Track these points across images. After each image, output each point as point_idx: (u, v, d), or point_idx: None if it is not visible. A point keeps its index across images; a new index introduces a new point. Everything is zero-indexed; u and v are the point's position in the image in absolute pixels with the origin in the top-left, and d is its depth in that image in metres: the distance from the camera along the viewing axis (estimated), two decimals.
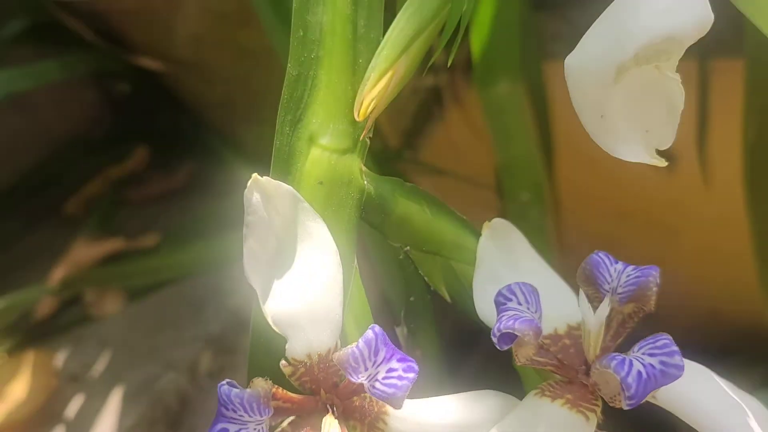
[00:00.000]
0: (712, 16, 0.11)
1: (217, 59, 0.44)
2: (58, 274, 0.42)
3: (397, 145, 0.50)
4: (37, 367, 0.37)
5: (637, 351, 0.12)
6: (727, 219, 0.59)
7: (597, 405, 0.13)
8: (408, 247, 0.15)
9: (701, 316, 1.08)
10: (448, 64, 0.17)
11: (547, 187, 0.44)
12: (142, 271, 0.42)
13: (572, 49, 0.12)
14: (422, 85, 0.49)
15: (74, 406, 0.35)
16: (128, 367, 0.36)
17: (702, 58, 0.42)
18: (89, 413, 0.35)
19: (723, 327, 1.02)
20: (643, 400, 0.13)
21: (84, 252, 0.42)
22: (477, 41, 0.27)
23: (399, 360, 0.11)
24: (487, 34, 0.26)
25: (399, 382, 0.11)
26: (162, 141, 0.53)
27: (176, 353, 0.36)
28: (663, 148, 0.12)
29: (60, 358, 0.38)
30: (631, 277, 0.13)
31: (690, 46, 0.12)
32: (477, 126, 0.37)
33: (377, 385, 0.11)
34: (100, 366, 0.37)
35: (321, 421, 0.12)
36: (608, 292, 0.13)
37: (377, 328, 0.11)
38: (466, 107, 0.53)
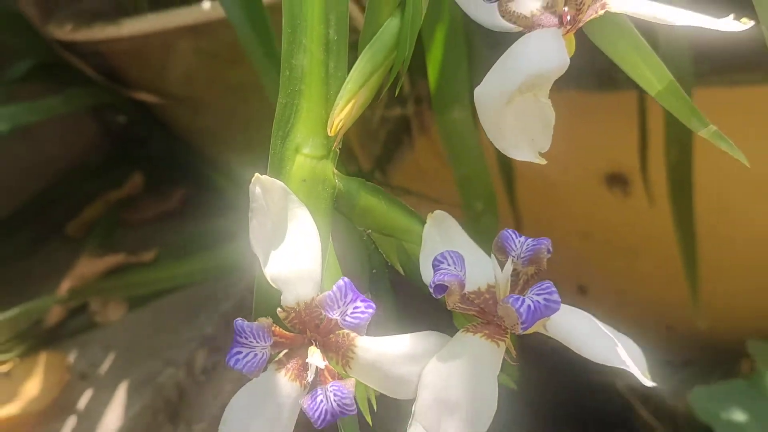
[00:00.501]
0: (568, 62, 0.16)
1: (207, 94, 0.48)
2: (66, 285, 0.46)
3: (369, 169, 0.55)
4: (49, 366, 0.40)
5: (529, 293, 0.16)
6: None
7: (506, 336, 0.17)
8: (369, 231, 0.19)
9: (660, 331, 1.13)
10: (395, 96, 0.21)
11: (505, 199, 0.48)
12: (142, 283, 0.46)
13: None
14: (391, 116, 0.54)
15: (84, 399, 0.39)
16: (131, 365, 0.40)
17: (642, 91, 0.47)
18: (98, 405, 0.38)
19: (681, 341, 1.07)
20: (535, 330, 0.17)
21: (88, 266, 0.46)
22: (433, 77, 0.31)
23: (361, 300, 0.16)
24: (439, 70, 0.31)
25: (362, 315, 0.16)
26: (156, 167, 0.56)
27: (174, 352, 0.40)
28: (543, 151, 0.17)
29: (69, 359, 0.41)
30: (529, 246, 0.18)
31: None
32: (441, 151, 0.42)
33: (347, 318, 0.16)
34: (106, 365, 0.41)
35: (307, 352, 0.16)
36: (514, 257, 0.18)
37: (346, 279, 0.16)
38: (431, 135, 0.57)
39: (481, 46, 0.42)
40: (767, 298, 0.90)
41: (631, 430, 0.86)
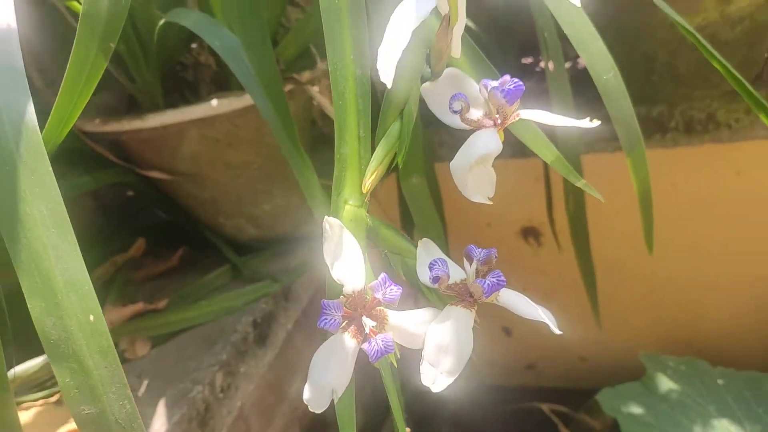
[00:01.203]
0: (501, 147, 0.28)
1: (208, 171, 0.58)
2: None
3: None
4: None
5: (488, 277, 0.27)
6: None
7: (475, 306, 0.28)
8: (386, 251, 0.30)
9: (574, 361, 1.26)
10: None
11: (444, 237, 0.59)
12: (160, 325, 0.54)
13: (452, 154, 0.28)
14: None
15: None
16: (165, 386, 0.48)
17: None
18: (144, 418, 0.46)
19: (591, 369, 1.21)
20: (491, 300, 0.28)
21: (114, 314, 0.54)
22: (400, 157, 0.43)
23: (395, 285, 0.27)
24: (404, 153, 0.42)
25: (394, 294, 0.26)
26: (157, 231, 0.65)
27: (199, 374, 0.49)
28: (491, 196, 0.28)
29: None
30: (483, 253, 0.29)
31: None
32: None
33: (387, 296, 0.26)
34: (142, 389, 0.49)
35: (362, 321, 0.27)
36: (475, 261, 0.29)
37: (384, 274, 0.27)
38: None
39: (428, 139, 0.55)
40: (657, 324, 1.06)
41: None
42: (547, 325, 0.82)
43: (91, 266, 0.56)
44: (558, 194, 0.70)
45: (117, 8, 0.27)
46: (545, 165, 0.76)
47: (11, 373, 0.47)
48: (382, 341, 0.26)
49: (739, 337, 1.05)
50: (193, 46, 0.57)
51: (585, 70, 0.41)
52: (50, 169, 0.24)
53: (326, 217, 0.27)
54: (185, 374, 0.48)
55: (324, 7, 0.28)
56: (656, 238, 1.07)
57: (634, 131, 0.38)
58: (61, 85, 0.26)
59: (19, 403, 0.47)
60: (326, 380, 0.27)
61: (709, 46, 0.42)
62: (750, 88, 0.42)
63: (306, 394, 0.27)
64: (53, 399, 0.48)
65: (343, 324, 0.27)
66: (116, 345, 0.52)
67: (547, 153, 0.31)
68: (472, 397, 1.30)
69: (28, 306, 0.23)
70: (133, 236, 0.63)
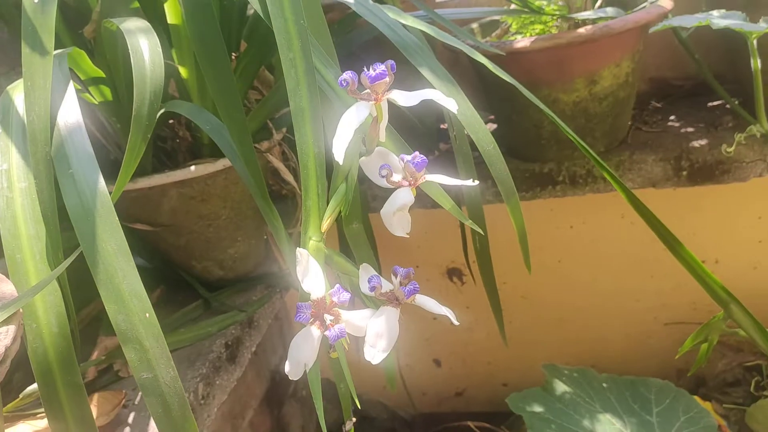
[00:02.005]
0: (413, 199, 0.41)
1: (184, 222, 0.70)
2: (95, 354, 0.64)
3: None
4: (103, 401, 0.58)
5: (408, 286, 0.41)
6: (508, 318, 0.90)
7: (400, 306, 0.41)
8: (338, 272, 0.43)
9: (498, 387, 1.40)
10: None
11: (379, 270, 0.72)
12: None
13: (382, 205, 0.42)
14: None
15: (130, 418, 0.57)
16: None
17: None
18: (142, 420, 0.57)
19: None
20: (410, 302, 0.41)
21: (108, 342, 0.65)
22: (344, 208, 0.56)
23: (346, 292, 0.39)
24: (346, 204, 0.56)
25: (345, 298, 0.39)
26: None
27: (184, 385, 0.59)
28: (408, 232, 0.42)
29: (124, 392, 0.59)
30: (404, 271, 0.42)
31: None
32: None
33: (340, 299, 0.39)
34: (137, 398, 0.59)
35: (324, 317, 0.40)
36: (399, 276, 0.42)
37: (338, 285, 0.40)
38: None
39: (364, 193, 0.69)
40: (565, 347, 1.21)
41: None
42: (473, 354, 1.04)
43: (84, 303, 0.66)
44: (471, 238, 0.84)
45: (152, 110, 0.40)
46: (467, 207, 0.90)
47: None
48: (338, 329, 0.38)
49: (629, 354, 1.22)
50: (171, 121, 0.70)
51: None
52: (116, 218, 0.37)
53: (298, 248, 0.40)
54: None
55: (293, 109, 0.41)
56: (561, 273, 1.24)
57: (510, 185, 0.52)
58: (122, 164, 0.39)
59: (35, 415, 0.57)
60: (300, 357, 0.39)
61: (561, 123, 0.58)
62: (591, 151, 0.57)
63: (287, 368, 0.39)
64: None
65: (312, 319, 0.39)
66: (111, 366, 0.63)
67: (446, 202, 0.45)
68: (408, 425, 1.42)
69: (106, 308, 0.35)
70: None
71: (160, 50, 0.44)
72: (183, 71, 0.62)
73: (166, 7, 0.57)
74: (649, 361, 1.20)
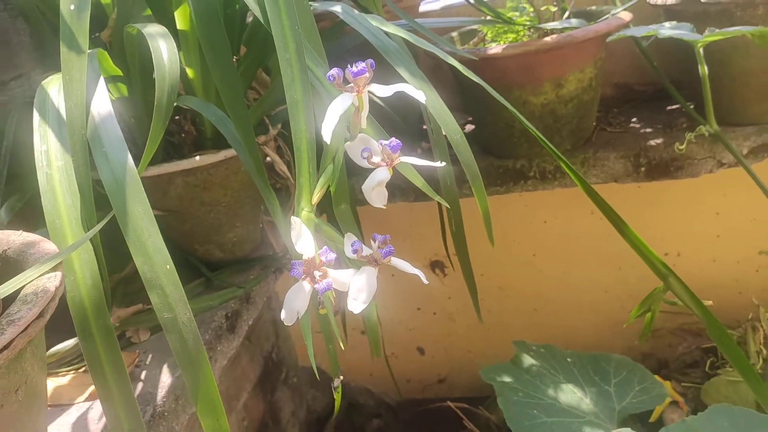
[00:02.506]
0: (389, 176, 0.49)
1: (188, 208, 0.77)
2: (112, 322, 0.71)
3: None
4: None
5: (384, 248, 0.48)
6: (487, 307, 0.96)
7: (378, 265, 0.49)
8: (326, 238, 0.50)
9: (476, 373, 1.46)
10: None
11: None
12: (154, 319, 0.72)
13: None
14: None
15: (143, 375, 0.64)
16: (165, 357, 0.66)
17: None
18: (154, 376, 0.64)
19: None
20: (387, 263, 0.49)
21: (121, 312, 0.72)
22: (333, 189, 0.64)
23: (332, 252, 0.47)
24: (336, 186, 0.63)
25: (332, 258, 0.47)
26: None
27: (209, 324, 0.66)
28: (385, 204, 0.49)
29: (137, 353, 0.66)
30: (381, 238, 0.49)
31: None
32: None
33: (327, 258, 0.47)
34: (149, 359, 0.66)
35: (314, 274, 0.47)
36: (377, 241, 0.49)
37: (326, 247, 0.47)
38: None
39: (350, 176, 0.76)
40: (541, 338, 1.27)
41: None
42: (454, 342, 1.13)
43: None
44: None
45: (170, 101, 0.48)
46: (439, 206, 0.98)
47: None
48: (326, 283, 0.46)
49: (597, 341, 1.29)
50: (177, 117, 0.77)
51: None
52: (142, 188, 0.44)
53: (292, 216, 0.48)
54: None
55: (289, 101, 0.48)
56: (536, 266, 1.32)
57: (474, 169, 0.60)
58: (147, 144, 0.46)
59: (57, 373, 0.64)
60: (294, 307, 0.46)
61: (527, 123, 0.65)
62: (553, 148, 0.65)
63: (282, 315, 0.46)
64: (81, 370, 0.65)
65: (303, 275, 0.47)
66: (123, 333, 0.70)
67: (417, 180, 0.53)
68: (393, 410, 1.49)
69: (135, 261, 0.42)
70: (128, 260, 0.80)
71: (176, 51, 0.52)
72: (189, 72, 0.70)
73: (177, 14, 0.64)
74: (615, 347, 1.27)
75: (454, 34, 1.03)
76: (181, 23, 0.65)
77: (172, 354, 0.66)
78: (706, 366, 1.05)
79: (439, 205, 0.93)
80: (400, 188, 1.03)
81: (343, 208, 0.64)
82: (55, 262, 0.40)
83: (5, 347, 0.34)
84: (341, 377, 0.66)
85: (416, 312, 1.40)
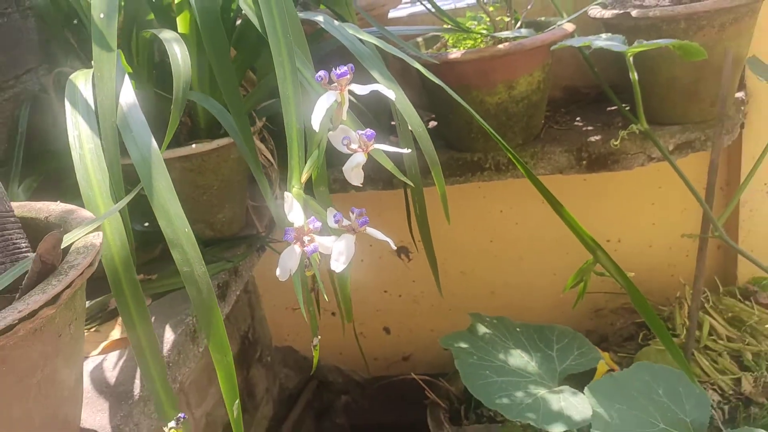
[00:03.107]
0: (365, 160, 0.59)
1: (183, 190, 0.86)
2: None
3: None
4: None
5: (361, 219, 0.58)
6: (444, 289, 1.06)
7: (355, 234, 0.59)
8: (312, 211, 0.61)
9: (439, 350, 1.57)
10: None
11: None
12: (155, 287, 0.81)
13: (339, 187, 0.60)
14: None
15: None
16: (166, 319, 0.75)
17: (405, 187, 0.94)
18: (159, 333, 0.73)
19: (452, 358, 1.50)
20: (363, 230, 0.59)
21: None
22: (314, 173, 0.74)
23: (317, 222, 0.57)
24: (317, 171, 0.73)
25: (318, 226, 0.57)
26: (145, 235, 0.92)
27: (187, 311, 0.76)
28: (361, 182, 0.60)
29: None
30: (358, 210, 0.60)
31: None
32: None
33: (314, 226, 0.57)
34: (152, 320, 0.76)
35: (303, 239, 0.57)
36: (355, 213, 0.60)
37: (313, 217, 0.57)
38: None
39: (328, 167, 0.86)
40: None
41: (424, 405, 1.28)
42: (419, 323, 1.29)
43: None
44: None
45: (185, 94, 0.57)
46: (405, 194, 1.08)
47: None
48: (313, 246, 0.56)
49: (548, 320, 1.42)
50: None
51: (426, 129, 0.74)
52: (164, 166, 0.54)
53: (285, 192, 0.58)
54: (178, 313, 0.75)
55: (282, 96, 0.58)
56: (493, 252, 1.44)
57: (434, 157, 0.71)
58: (168, 129, 0.56)
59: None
60: (287, 266, 0.56)
61: (482, 121, 0.76)
62: (503, 143, 0.76)
63: (278, 272, 0.56)
64: (92, 329, 0.74)
65: (295, 240, 0.57)
66: None
67: (387, 163, 0.63)
68: (361, 386, 1.60)
69: (159, 224, 0.52)
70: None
71: (187, 53, 0.61)
72: None
73: (179, 19, 0.74)
74: (563, 324, 1.40)
75: (419, 39, 1.13)
76: (182, 27, 0.75)
77: (173, 316, 0.76)
78: (639, 338, 1.18)
79: (405, 193, 1.04)
80: (369, 178, 1.13)
81: (321, 190, 0.74)
82: (97, 224, 0.49)
83: (68, 286, 0.43)
84: (319, 336, 0.76)
85: (383, 294, 1.51)
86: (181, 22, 0.74)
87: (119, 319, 0.74)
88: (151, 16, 0.77)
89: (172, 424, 0.48)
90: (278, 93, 0.69)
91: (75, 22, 0.80)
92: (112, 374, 0.66)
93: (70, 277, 0.43)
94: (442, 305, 1.48)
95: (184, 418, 0.49)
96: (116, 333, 0.73)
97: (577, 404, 0.84)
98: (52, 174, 0.83)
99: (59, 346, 0.46)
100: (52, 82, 0.82)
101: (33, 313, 0.40)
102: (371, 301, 1.52)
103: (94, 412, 0.60)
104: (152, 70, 0.74)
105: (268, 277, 1.33)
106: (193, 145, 0.80)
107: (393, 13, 1.22)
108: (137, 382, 0.64)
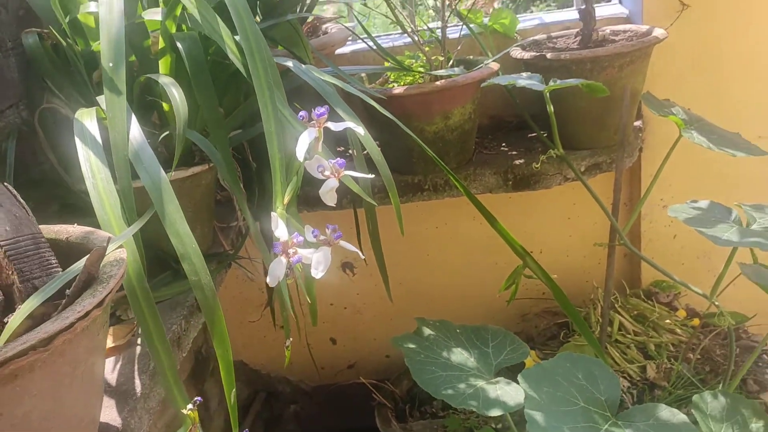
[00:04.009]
0: (337, 185, 0.71)
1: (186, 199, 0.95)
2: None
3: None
4: (118, 330, 0.82)
5: (336, 235, 0.70)
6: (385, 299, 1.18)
7: (331, 246, 0.70)
8: (293, 227, 0.71)
9: (382, 358, 1.72)
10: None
11: None
12: None
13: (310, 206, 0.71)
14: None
15: (139, 340, 0.81)
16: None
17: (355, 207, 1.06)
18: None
19: (397, 364, 1.61)
20: (337, 243, 0.71)
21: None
22: (289, 195, 0.85)
23: (300, 237, 0.68)
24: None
25: (300, 240, 0.68)
26: None
27: (173, 320, 0.85)
28: (335, 203, 0.71)
29: (134, 324, 0.83)
30: (332, 227, 0.71)
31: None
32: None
33: (297, 240, 0.68)
34: (139, 330, 0.84)
35: (288, 251, 0.68)
36: (330, 229, 0.71)
37: (296, 233, 0.68)
38: None
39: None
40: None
41: (370, 409, 1.40)
42: (361, 333, 1.45)
43: None
44: (365, 236, 1.12)
45: (185, 129, 0.67)
46: (355, 212, 1.20)
47: None
48: (297, 257, 0.67)
49: (481, 320, 1.56)
50: None
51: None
52: (173, 192, 0.63)
53: (272, 212, 0.68)
54: (165, 321, 0.84)
55: (266, 131, 0.69)
56: (434, 264, 1.57)
57: (390, 180, 0.83)
58: (174, 160, 0.65)
59: None
60: (276, 274, 0.67)
61: (424, 146, 0.89)
62: (445, 166, 0.89)
63: (268, 279, 0.66)
64: None
65: (281, 252, 0.68)
66: (114, 312, 0.87)
67: (354, 187, 0.75)
68: (309, 395, 1.70)
69: (172, 241, 0.62)
70: None
71: (183, 95, 0.71)
72: (165, 106, 0.89)
73: (161, 63, 0.83)
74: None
75: (363, 74, 1.26)
76: (163, 69, 0.84)
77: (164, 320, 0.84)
78: (561, 336, 1.33)
79: (355, 212, 1.16)
80: (318, 199, 1.24)
81: (292, 210, 0.85)
82: (121, 241, 0.59)
83: (110, 292, 0.53)
84: (290, 338, 0.86)
85: (329, 307, 1.62)
86: (163, 64, 0.83)
87: (111, 329, 0.82)
88: (133, 57, 0.86)
89: (190, 406, 0.58)
90: (244, 125, 0.80)
91: (60, 63, 0.88)
92: (112, 376, 0.74)
93: (111, 285, 0.53)
94: (385, 315, 1.60)
95: (200, 401, 0.58)
96: (109, 341, 0.80)
97: (511, 392, 0.97)
98: (37, 202, 0.90)
99: (96, 343, 0.55)
100: (36, 118, 0.89)
101: (87, 314, 0.50)
102: (318, 314, 1.62)
103: (103, 408, 0.68)
104: (146, 108, 0.83)
105: (221, 293, 1.42)
106: (172, 173, 0.89)
107: (339, 50, 1.34)
108: (137, 382, 0.73)
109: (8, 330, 0.52)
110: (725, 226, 0.89)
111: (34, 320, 0.53)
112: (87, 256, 0.55)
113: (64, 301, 0.53)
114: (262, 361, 1.64)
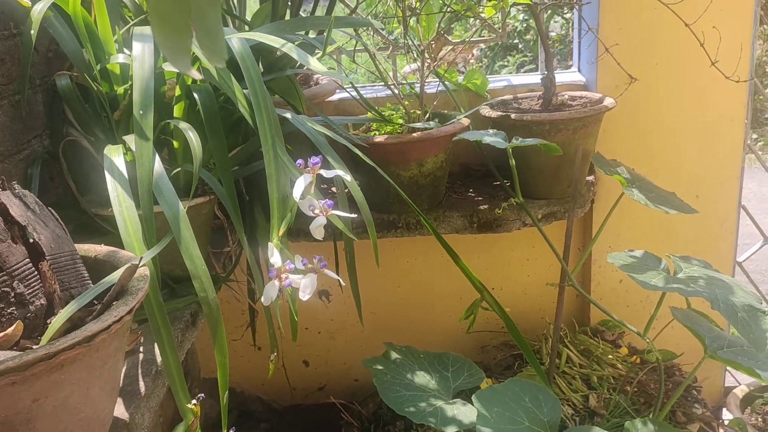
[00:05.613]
0: (325, 222, 0.83)
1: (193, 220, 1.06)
2: None
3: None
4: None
5: (321, 263, 0.82)
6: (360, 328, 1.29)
7: (318, 273, 0.82)
8: (287, 256, 0.83)
9: (350, 381, 1.84)
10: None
11: None
12: (140, 313, 1.00)
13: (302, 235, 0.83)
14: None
15: (142, 348, 0.92)
16: (152, 338, 0.94)
17: (335, 240, 1.18)
18: (150, 348, 0.92)
19: (362, 388, 1.78)
20: (322, 271, 0.82)
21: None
22: (282, 230, 0.97)
23: (292, 265, 0.80)
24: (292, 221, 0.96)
25: (292, 267, 0.79)
26: None
27: (174, 326, 0.95)
28: (322, 236, 0.83)
29: (138, 333, 0.94)
30: (318, 257, 0.83)
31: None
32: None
33: (288, 266, 0.79)
34: (142, 339, 0.94)
35: (281, 276, 0.79)
36: (317, 259, 0.83)
37: (288, 261, 0.80)
38: None
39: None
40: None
41: (339, 426, 1.49)
42: (335, 357, 1.62)
43: None
44: (342, 267, 1.24)
45: (199, 168, 0.79)
46: (335, 245, 1.32)
47: None
48: (288, 281, 0.79)
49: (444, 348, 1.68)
50: None
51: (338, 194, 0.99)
52: (188, 221, 0.75)
53: (269, 243, 0.80)
54: (174, 320, 0.95)
55: (268, 174, 0.81)
56: (401, 296, 1.70)
57: (370, 219, 0.95)
58: (191, 194, 0.77)
59: None
60: (270, 295, 0.78)
61: (399, 189, 1.02)
62: (417, 208, 1.02)
63: (263, 299, 0.78)
64: None
65: (275, 277, 0.79)
66: None
67: (340, 225, 0.87)
68: (280, 414, 1.79)
69: (185, 262, 0.73)
70: None
71: (198, 137, 0.83)
72: (175, 144, 1.01)
73: (175, 107, 0.95)
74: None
75: (349, 123, 1.40)
76: (177, 113, 0.96)
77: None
78: (515, 366, 1.46)
79: (335, 245, 1.28)
80: (303, 232, 1.36)
81: (284, 240, 0.97)
82: (146, 260, 0.70)
83: (139, 301, 0.64)
84: (274, 353, 0.97)
85: (305, 331, 1.72)
86: (177, 109, 0.95)
87: None
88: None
89: (194, 401, 0.69)
90: (241, 163, 0.92)
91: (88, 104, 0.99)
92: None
93: (140, 296, 0.64)
94: (355, 341, 1.71)
95: (203, 397, 0.69)
96: None
97: (466, 412, 1.09)
98: None
99: (121, 345, 0.66)
100: (61, 148, 1.00)
101: (120, 318, 0.61)
102: (302, 332, 1.72)
103: None
104: (159, 145, 0.95)
105: None
106: (199, 198, 1.01)
107: (328, 99, 1.48)
108: (141, 383, 0.83)
109: (51, 329, 0.63)
110: (654, 273, 1.03)
111: (72, 323, 0.64)
112: (121, 271, 0.66)
113: (98, 307, 0.64)
114: (237, 380, 1.73)
